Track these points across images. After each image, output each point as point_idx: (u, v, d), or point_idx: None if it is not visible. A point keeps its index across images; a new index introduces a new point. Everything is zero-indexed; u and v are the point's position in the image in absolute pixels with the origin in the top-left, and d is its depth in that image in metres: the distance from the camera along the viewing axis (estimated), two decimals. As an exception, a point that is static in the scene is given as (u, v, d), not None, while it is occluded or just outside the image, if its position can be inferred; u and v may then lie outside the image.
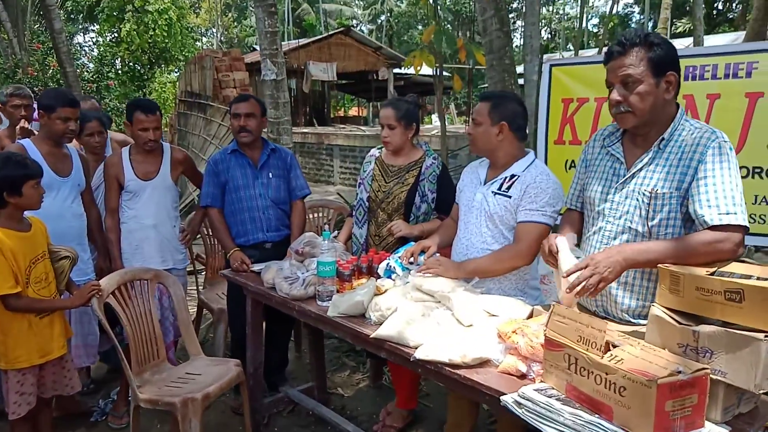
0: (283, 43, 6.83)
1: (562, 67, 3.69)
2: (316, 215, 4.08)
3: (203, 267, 4.10)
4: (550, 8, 32.55)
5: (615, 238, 1.76)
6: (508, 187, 2.16)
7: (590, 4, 30.68)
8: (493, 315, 1.91)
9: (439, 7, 3.95)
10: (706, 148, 1.61)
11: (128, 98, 19.73)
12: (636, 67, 1.64)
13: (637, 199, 1.71)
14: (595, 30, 33.57)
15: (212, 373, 2.62)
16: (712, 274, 1.49)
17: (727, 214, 1.54)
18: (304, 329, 3.68)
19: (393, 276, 2.37)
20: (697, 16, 5.22)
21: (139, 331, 2.61)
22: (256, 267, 2.85)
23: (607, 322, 1.44)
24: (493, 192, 2.20)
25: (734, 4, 26.65)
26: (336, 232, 2.93)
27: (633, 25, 35.18)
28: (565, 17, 32.77)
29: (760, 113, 2.90)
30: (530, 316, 1.89)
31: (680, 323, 1.44)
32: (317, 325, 2.38)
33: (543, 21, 32.86)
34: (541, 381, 1.55)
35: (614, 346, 1.43)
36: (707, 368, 1.29)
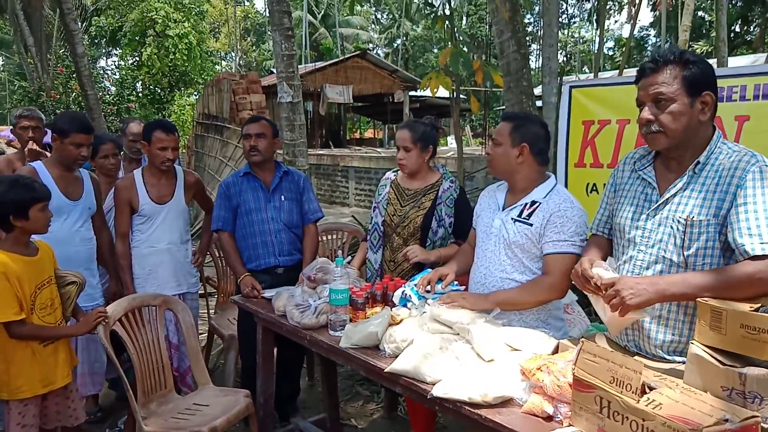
0: (299, 66, 6.87)
1: (583, 89, 3.60)
2: (329, 238, 4.00)
3: (214, 290, 4.04)
4: (566, 31, 32.60)
5: (648, 268, 1.65)
6: (529, 215, 2.05)
7: (606, 28, 30.71)
8: (516, 349, 1.80)
9: (455, 30, 3.89)
10: (745, 172, 1.50)
11: (148, 120, 20.09)
12: (669, 85, 1.55)
13: (672, 227, 1.59)
14: (611, 53, 33.59)
15: (221, 404, 2.52)
16: (757, 309, 1.37)
17: None
18: (316, 356, 3.58)
19: (408, 305, 2.27)
20: (721, 37, 5.12)
21: (147, 359, 2.53)
22: (267, 293, 2.77)
23: (643, 363, 1.32)
24: (512, 219, 2.09)
25: (752, 27, 26.46)
26: (349, 257, 2.84)
27: (649, 49, 35.13)
28: (581, 40, 32.80)
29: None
30: (555, 350, 1.77)
31: (724, 364, 1.31)
32: (329, 356, 2.28)
33: (559, 44, 32.93)
34: (570, 424, 1.43)
35: (651, 389, 1.31)
36: (758, 416, 1.17)
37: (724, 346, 1.35)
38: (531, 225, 2.03)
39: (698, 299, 1.41)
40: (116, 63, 24.19)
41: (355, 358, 2.05)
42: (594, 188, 3.48)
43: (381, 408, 3.37)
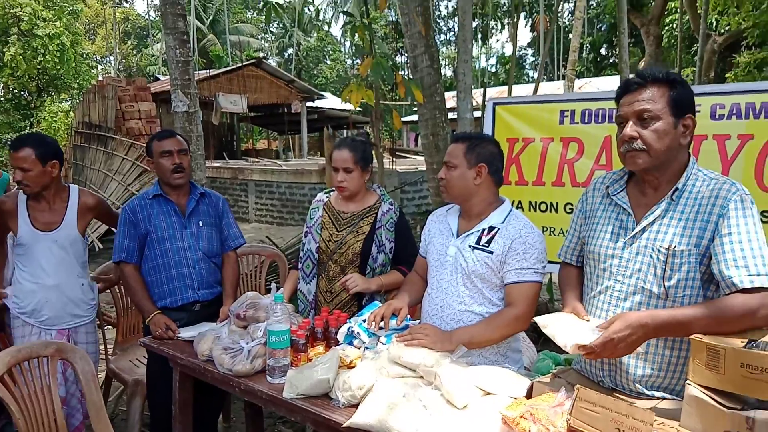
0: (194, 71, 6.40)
1: (507, 106, 3.61)
2: (244, 262, 3.67)
3: (108, 324, 3.54)
4: (452, 47, 34.06)
5: (625, 299, 1.58)
6: (488, 241, 1.93)
7: (489, 46, 32.46)
8: (489, 393, 1.65)
9: (374, 41, 3.76)
10: (726, 201, 1.47)
11: (12, 128, 18.02)
12: (655, 103, 1.49)
13: (652, 257, 1.53)
14: (493, 69, 35.61)
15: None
16: (746, 344, 1.32)
17: (758, 275, 1.39)
18: (234, 396, 3.23)
19: (355, 342, 2.05)
20: (623, 59, 5.44)
21: (36, 424, 2.08)
22: (185, 333, 2.43)
23: (654, 415, 1.21)
24: (470, 246, 1.96)
25: (616, 49, 29.25)
26: (273, 285, 2.56)
27: (527, 66, 37.68)
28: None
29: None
30: (529, 391, 1.65)
31: (726, 406, 1.25)
32: (269, 408, 2.00)
33: (448, 59, 34.30)
34: (568, 481, 1.30)
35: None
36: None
37: (723, 387, 1.29)
38: (491, 252, 1.91)
39: (692, 337, 1.34)
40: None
41: (302, 410, 1.79)
42: (519, 205, 3.48)
43: (310, 448, 3.10)
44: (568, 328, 1.51)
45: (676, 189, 1.54)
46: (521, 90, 18.67)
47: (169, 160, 2.56)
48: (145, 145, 2.67)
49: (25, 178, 2.51)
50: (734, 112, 2.89)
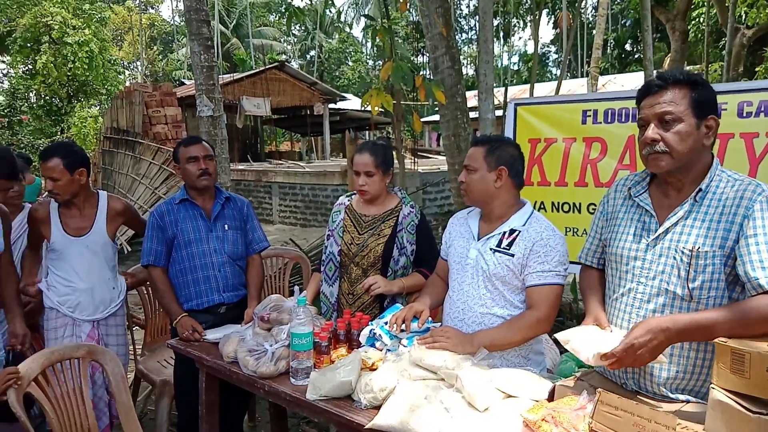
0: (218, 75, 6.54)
1: (528, 107, 3.58)
2: (268, 264, 3.72)
3: (137, 325, 3.62)
4: (473, 46, 33.87)
5: (649, 301, 1.56)
6: (509, 244, 1.93)
7: (511, 44, 32.25)
8: (510, 395, 1.65)
9: (393, 44, 3.77)
10: (752, 202, 1.45)
11: (44, 133, 18.52)
12: (677, 105, 1.48)
13: (675, 258, 1.52)
14: (516, 67, 35.33)
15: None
16: (773, 348, 1.30)
17: None
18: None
19: (377, 344, 2.07)
20: (647, 57, 5.36)
21: (68, 424, 2.15)
22: (210, 335, 2.47)
23: (677, 419, 1.20)
24: (491, 249, 1.96)
25: (641, 45, 28.76)
26: (296, 287, 2.59)
27: (550, 64, 37.28)
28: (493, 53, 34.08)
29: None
30: (551, 394, 1.65)
31: (753, 411, 1.23)
32: (292, 408, 2.03)
33: (470, 58, 34.15)
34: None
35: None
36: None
37: (748, 391, 1.27)
38: (512, 255, 1.91)
39: (716, 340, 1.33)
40: (4, 71, 22.18)
41: (325, 412, 1.82)
42: (542, 206, 3.45)
43: (334, 448, 3.13)
44: (590, 341, 1.51)
45: (700, 190, 1.52)
46: (544, 88, 18.47)
47: (196, 165, 2.61)
48: (171, 149, 2.72)
49: (55, 188, 2.58)
50: (762, 109, 2.82)
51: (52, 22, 16.81)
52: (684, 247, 1.51)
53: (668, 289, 1.54)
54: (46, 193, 2.69)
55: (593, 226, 1.83)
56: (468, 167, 2.00)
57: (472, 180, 1.98)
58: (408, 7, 4.38)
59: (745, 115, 2.86)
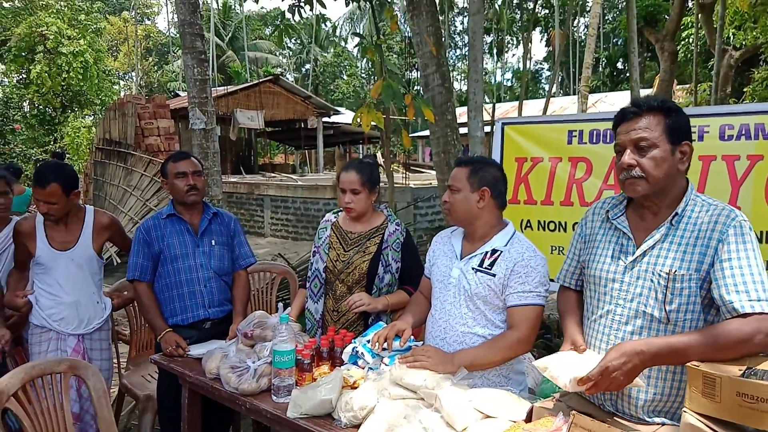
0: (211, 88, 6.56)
1: (515, 126, 3.63)
2: (255, 279, 3.72)
3: (122, 340, 3.61)
4: (467, 62, 34.23)
5: (627, 323, 1.58)
6: (491, 264, 1.95)
7: (505, 61, 32.62)
8: (488, 416, 1.66)
9: (384, 62, 3.82)
10: (726, 227, 1.48)
11: (37, 143, 18.46)
12: (652, 131, 1.52)
13: (652, 280, 1.55)
14: (509, 84, 35.71)
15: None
16: (744, 373, 1.32)
17: (759, 300, 1.39)
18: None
19: (360, 362, 2.08)
20: (634, 78, 5.45)
21: (49, 440, 2.13)
22: (194, 351, 2.47)
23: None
24: (473, 268, 1.98)
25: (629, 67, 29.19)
26: (281, 303, 2.60)
27: (543, 81, 37.69)
28: (483, 72, 34.48)
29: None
30: (529, 415, 1.66)
31: (723, 435, 1.25)
32: (274, 426, 2.03)
33: (463, 74, 34.47)
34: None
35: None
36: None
37: (719, 415, 1.29)
38: (494, 275, 1.93)
39: (689, 364, 1.35)
40: (-1, 80, 22.16)
41: (305, 430, 1.82)
42: (528, 224, 3.49)
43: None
44: (567, 367, 1.52)
45: (676, 214, 1.55)
46: (536, 105, 18.64)
47: (184, 181, 2.62)
48: (163, 161, 2.75)
49: (51, 210, 2.58)
50: (743, 132, 2.88)
51: (47, 32, 16.84)
52: (661, 270, 1.53)
53: (646, 312, 1.56)
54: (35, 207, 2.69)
55: (571, 248, 1.86)
56: (451, 187, 2.03)
57: (456, 200, 2.01)
58: (402, 23, 4.44)
59: (726, 138, 2.92)
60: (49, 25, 16.83)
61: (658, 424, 1.55)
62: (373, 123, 3.66)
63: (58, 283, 2.67)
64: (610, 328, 1.62)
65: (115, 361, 3.16)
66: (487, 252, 1.99)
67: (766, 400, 1.21)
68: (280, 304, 2.27)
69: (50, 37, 16.85)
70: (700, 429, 1.28)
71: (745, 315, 1.39)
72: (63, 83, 17.65)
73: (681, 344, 1.42)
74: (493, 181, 2.00)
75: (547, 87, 36.21)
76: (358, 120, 3.67)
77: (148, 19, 35.76)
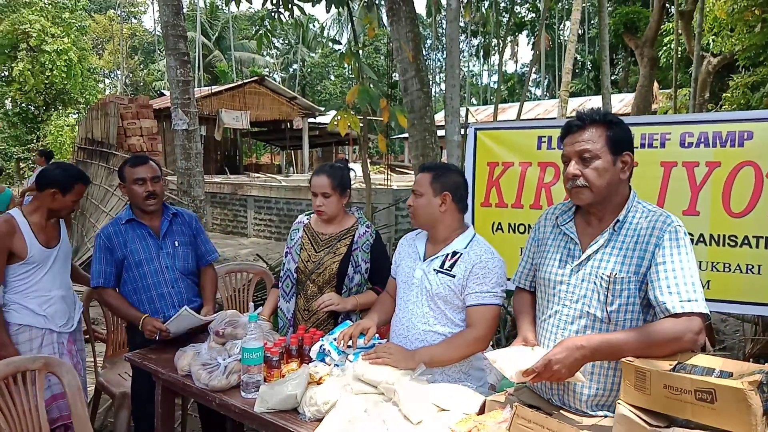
0: (194, 89, 6.59)
1: (487, 131, 3.72)
2: (233, 279, 3.78)
3: (99, 339, 3.65)
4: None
5: (572, 323, 1.68)
6: (451, 266, 2.05)
7: (491, 64, 32.83)
8: (444, 409, 1.75)
9: (361, 66, 3.90)
10: (662, 232, 1.58)
11: (19, 141, 18.29)
12: (594, 143, 1.62)
13: (595, 283, 1.65)
14: (495, 86, 35.94)
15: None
16: (674, 368, 1.42)
17: (689, 301, 1.50)
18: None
19: (327, 359, 2.16)
20: (605, 86, 5.60)
21: (22, 435, 2.18)
22: (173, 327, 2.51)
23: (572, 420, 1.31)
24: (435, 270, 2.07)
25: (617, 69, 29.57)
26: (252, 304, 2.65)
27: (531, 84, 38.05)
28: (469, 74, 34.71)
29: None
30: (482, 408, 1.75)
31: (650, 424, 1.35)
32: (242, 420, 2.10)
33: (450, 76, 34.57)
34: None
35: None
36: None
37: (649, 406, 1.39)
38: (453, 276, 2.02)
39: (623, 360, 1.45)
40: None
41: (271, 424, 1.90)
42: (499, 227, 3.58)
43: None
44: (514, 360, 1.62)
45: (618, 221, 1.65)
46: (517, 108, 18.85)
47: (142, 187, 2.63)
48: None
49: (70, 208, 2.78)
50: (702, 140, 3.00)
51: (30, 29, 16.71)
52: (603, 273, 1.63)
53: (589, 312, 1.66)
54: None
55: (526, 251, 1.96)
56: (415, 192, 2.12)
57: (419, 204, 2.10)
58: (375, 33, 4.52)
59: (687, 145, 3.04)
60: (32, 23, 16.71)
61: (600, 416, 1.65)
62: (349, 129, 3.75)
63: (48, 279, 2.71)
64: (557, 327, 1.71)
65: (90, 359, 3.21)
66: (448, 254, 2.08)
67: (686, 391, 1.31)
68: (251, 304, 2.34)
69: (33, 35, 16.73)
70: (631, 419, 1.37)
71: (677, 315, 1.49)
72: (46, 81, 17.52)
73: (618, 341, 1.52)
74: (454, 186, 2.09)
75: (533, 89, 36.57)
76: (335, 124, 3.75)
77: (135, 18, 35.55)
